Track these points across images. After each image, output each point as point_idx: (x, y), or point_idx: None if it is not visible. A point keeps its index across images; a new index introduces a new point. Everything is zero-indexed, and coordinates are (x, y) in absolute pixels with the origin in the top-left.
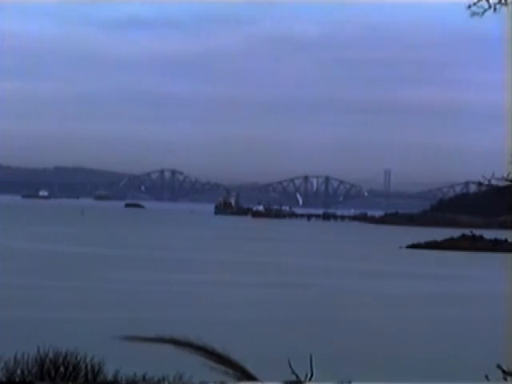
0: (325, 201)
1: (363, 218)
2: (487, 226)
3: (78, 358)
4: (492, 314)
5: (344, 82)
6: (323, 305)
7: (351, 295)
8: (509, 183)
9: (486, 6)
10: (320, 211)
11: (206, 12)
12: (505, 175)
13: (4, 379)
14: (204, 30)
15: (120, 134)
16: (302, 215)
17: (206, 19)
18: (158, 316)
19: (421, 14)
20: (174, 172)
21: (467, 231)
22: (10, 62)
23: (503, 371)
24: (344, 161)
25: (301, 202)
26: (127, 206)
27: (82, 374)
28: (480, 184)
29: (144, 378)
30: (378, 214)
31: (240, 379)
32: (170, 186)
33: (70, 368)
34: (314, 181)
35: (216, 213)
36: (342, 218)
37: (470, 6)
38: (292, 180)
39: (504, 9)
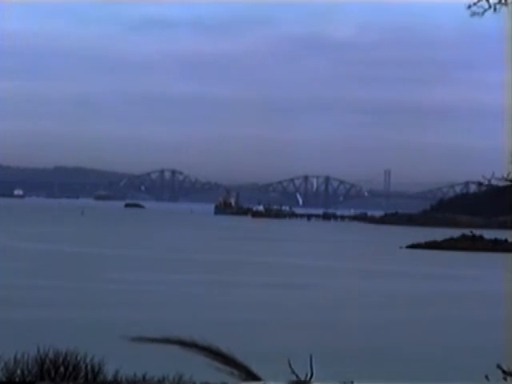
0: (325, 201)
1: (363, 218)
2: (487, 226)
3: (78, 358)
4: (492, 314)
5: (344, 83)
6: (323, 305)
7: (351, 295)
8: (509, 183)
9: (486, 5)
10: (320, 211)
11: (227, 13)
12: (505, 175)
13: (4, 379)
14: (221, 31)
15: (120, 134)
16: (302, 215)
17: (226, 20)
18: (159, 316)
19: (424, 11)
20: (173, 172)
21: (467, 231)
22: (10, 62)
23: (503, 371)
24: (344, 161)
25: (301, 202)
26: (127, 205)
27: (82, 374)
28: (480, 184)
29: (144, 378)
30: (378, 213)
31: (245, 380)
32: (170, 186)
33: (70, 368)
34: (314, 181)
35: (216, 213)
36: (342, 217)
37: (469, 6)
38: (292, 180)
39: (504, 9)
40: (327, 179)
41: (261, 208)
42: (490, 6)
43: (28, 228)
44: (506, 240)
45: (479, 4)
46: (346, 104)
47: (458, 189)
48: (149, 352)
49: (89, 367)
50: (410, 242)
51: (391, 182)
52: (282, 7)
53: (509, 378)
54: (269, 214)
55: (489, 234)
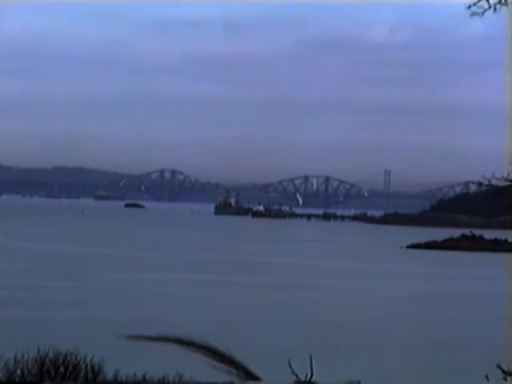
0: (325, 201)
1: (363, 218)
2: (487, 226)
3: (78, 357)
4: (492, 314)
5: (344, 83)
6: (323, 305)
7: (351, 295)
8: (509, 183)
9: (486, 5)
10: (320, 211)
11: (252, 13)
12: (505, 175)
13: (4, 379)
14: (241, 32)
15: (120, 134)
16: (302, 215)
17: (248, 20)
18: (159, 316)
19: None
20: (173, 172)
21: (467, 231)
22: (10, 62)
23: (503, 371)
24: (344, 161)
25: (301, 202)
26: (127, 205)
27: (82, 374)
28: (480, 184)
29: (144, 378)
30: (378, 213)
31: (243, 378)
32: (170, 186)
33: (70, 368)
34: (314, 181)
35: (216, 213)
36: (342, 217)
37: (470, 6)
38: (292, 180)
39: (504, 9)
40: (327, 179)
41: (261, 208)
42: (489, 6)
43: (28, 228)
44: (506, 240)
45: (479, 4)
46: (347, 104)
47: (458, 189)
48: (149, 352)
49: (89, 367)
50: (410, 242)
51: (391, 181)
52: (309, 8)
53: (509, 378)
54: (269, 214)
55: (489, 234)
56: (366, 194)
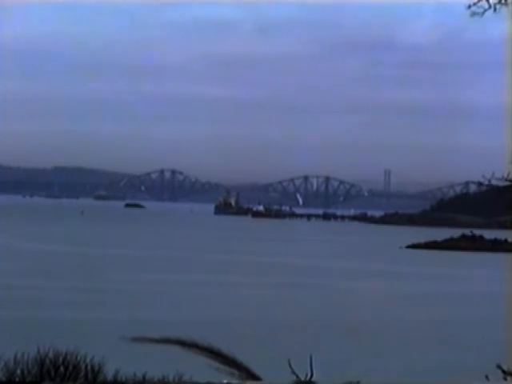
0: (325, 201)
1: (363, 218)
2: (487, 226)
3: (78, 357)
4: (492, 314)
5: (345, 83)
6: (323, 305)
7: (351, 295)
8: (509, 183)
9: (486, 6)
10: (320, 211)
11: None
12: (505, 175)
13: (4, 379)
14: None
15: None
16: (302, 215)
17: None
18: (159, 316)
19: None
20: (173, 172)
21: (467, 231)
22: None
23: (503, 371)
24: (344, 161)
25: (301, 202)
26: (127, 206)
27: (82, 374)
28: (480, 184)
29: (144, 377)
30: (378, 213)
31: (245, 380)
32: (170, 186)
33: (70, 368)
34: (314, 181)
35: (216, 213)
36: (342, 217)
37: (469, 6)
38: (292, 180)
39: (504, 9)
40: (327, 179)
41: (261, 208)
42: (490, 6)
43: (27, 228)
44: (505, 240)
45: (479, 4)
46: (347, 104)
47: (457, 189)
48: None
49: (89, 367)
50: (409, 242)
51: (391, 181)
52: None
53: (509, 378)
54: (269, 214)
55: (489, 234)
56: (366, 193)
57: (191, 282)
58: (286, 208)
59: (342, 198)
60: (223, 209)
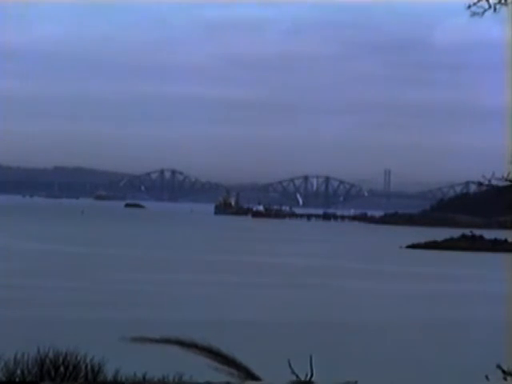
0: (325, 201)
1: (363, 218)
2: (487, 226)
3: (78, 358)
4: (492, 314)
5: (345, 83)
6: (323, 305)
7: (351, 295)
8: (509, 183)
9: (486, 6)
10: (320, 211)
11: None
12: (505, 175)
13: (4, 379)
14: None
15: (120, 134)
16: (301, 215)
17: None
18: (159, 316)
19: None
20: (174, 172)
21: (467, 231)
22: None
23: (503, 371)
24: (344, 161)
25: (301, 202)
26: (127, 206)
27: (82, 374)
28: (480, 184)
29: (144, 377)
30: (378, 214)
31: (244, 380)
32: (170, 186)
33: (70, 368)
34: (314, 181)
35: (216, 213)
36: (342, 217)
37: (469, 6)
38: (292, 180)
39: (504, 9)
40: (327, 179)
41: (261, 208)
42: (489, 6)
43: (28, 228)
44: (505, 240)
45: (479, 4)
46: (347, 104)
47: (458, 189)
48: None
49: (89, 367)
50: (409, 242)
51: (391, 181)
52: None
53: (509, 378)
54: (269, 214)
55: (489, 234)
56: (366, 193)
57: (191, 282)
58: (286, 208)
59: (341, 198)
60: (223, 209)
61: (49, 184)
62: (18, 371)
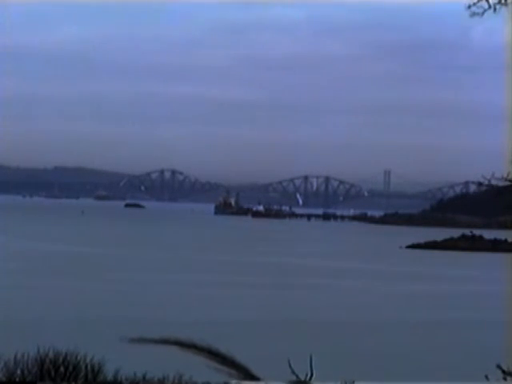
0: (325, 201)
1: (363, 218)
2: (487, 226)
3: (78, 357)
4: (492, 314)
5: (344, 83)
6: (323, 305)
7: (351, 295)
8: (509, 183)
9: (486, 6)
10: (320, 211)
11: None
12: (505, 175)
13: (4, 379)
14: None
15: (120, 134)
16: (301, 215)
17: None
18: (159, 316)
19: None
20: (174, 172)
21: (467, 231)
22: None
23: (503, 371)
24: (344, 161)
25: (301, 202)
26: (127, 206)
27: (82, 374)
28: (480, 184)
29: (144, 377)
30: (377, 214)
31: (244, 380)
32: (170, 186)
33: (70, 368)
34: (314, 181)
35: (216, 213)
36: (342, 217)
37: (469, 6)
38: (292, 180)
39: (504, 9)
40: (327, 179)
41: (261, 208)
42: (489, 6)
43: (28, 228)
44: (505, 240)
45: (479, 4)
46: (347, 104)
47: (457, 189)
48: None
49: (89, 367)
50: (409, 242)
51: (391, 181)
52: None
53: (509, 378)
54: (269, 214)
55: (489, 234)
56: (366, 194)
57: (191, 282)
58: (285, 208)
59: (341, 198)
60: (223, 209)
61: (49, 184)
62: (18, 371)
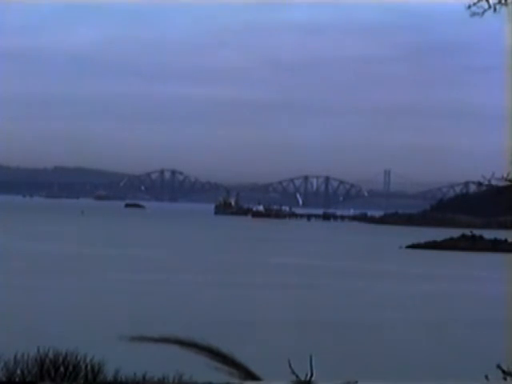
0: (325, 201)
1: (363, 218)
2: (487, 226)
3: (78, 357)
4: (492, 314)
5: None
6: (323, 305)
7: (351, 295)
8: (509, 183)
9: (486, 6)
10: (320, 211)
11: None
12: (505, 175)
13: (4, 379)
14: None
15: (120, 134)
16: (301, 215)
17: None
18: (159, 316)
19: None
20: (174, 172)
21: (467, 231)
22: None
23: (503, 371)
24: (344, 161)
25: (301, 202)
26: (127, 206)
27: (82, 374)
28: (480, 184)
29: (144, 378)
30: (377, 214)
31: (244, 379)
32: (170, 186)
33: (70, 368)
34: (314, 181)
35: (216, 213)
36: (342, 218)
37: (469, 6)
38: (292, 180)
39: (504, 9)
40: (327, 179)
41: (261, 208)
42: (489, 6)
43: (28, 228)
44: (505, 240)
45: (479, 4)
46: (347, 104)
47: (457, 189)
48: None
49: (89, 367)
50: (409, 242)
51: (391, 181)
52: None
53: (509, 378)
54: (269, 214)
55: (489, 234)
56: (365, 194)
57: (191, 282)
58: (285, 208)
59: (341, 198)
60: (223, 209)
61: (49, 184)
62: (18, 371)
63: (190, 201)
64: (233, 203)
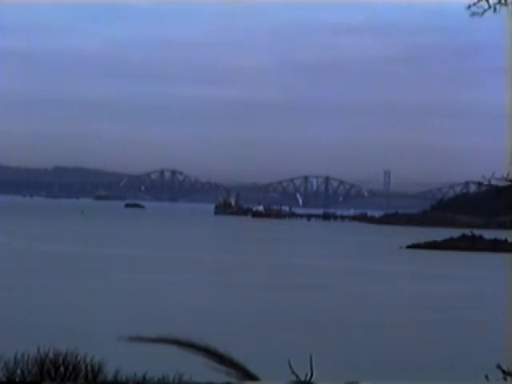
0: (325, 201)
1: (363, 218)
2: (487, 226)
3: (78, 358)
4: (492, 315)
5: (344, 83)
6: (323, 305)
7: (351, 296)
8: (509, 183)
9: (486, 6)
10: (320, 211)
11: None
12: (505, 175)
13: (4, 379)
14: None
15: (120, 134)
16: (301, 215)
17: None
18: (158, 316)
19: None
20: (174, 172)
21: (467, 231)
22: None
23: (503, 371)
24: (344, 161)
25: (301, 202)
26: (127, 206)
27: (82, 374)
28: (480, 184)
29: (144, 377)
30: (377, 214)
31: (242, 379)
32: (170, 186)
33: (70, 368)
34: (314, 181)
35: (216, 213)
36: (342, 218)
37: (469, 6)
38: (292, 180)
39: (504, 9)
40: (327, 179)
41: (261, 208)
42: (489, 6)
43: (28, 228)
44: (505, 240)
45: (479, 4)
46: (347, 104)
47: (457, 189)
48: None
49: (89, 367)
50: (409, 242)
51: (391, 181)
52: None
53: (509, 378)
54: (269, 214)
55: (489, 234)
56: (365, 194)
57: (191, 282)
58: (285, 208)
59: (341, 198)
60: (223, 209)
61: (49, 184)
62: (18, 371)
63: (190, 201)
64: (233, 203)
